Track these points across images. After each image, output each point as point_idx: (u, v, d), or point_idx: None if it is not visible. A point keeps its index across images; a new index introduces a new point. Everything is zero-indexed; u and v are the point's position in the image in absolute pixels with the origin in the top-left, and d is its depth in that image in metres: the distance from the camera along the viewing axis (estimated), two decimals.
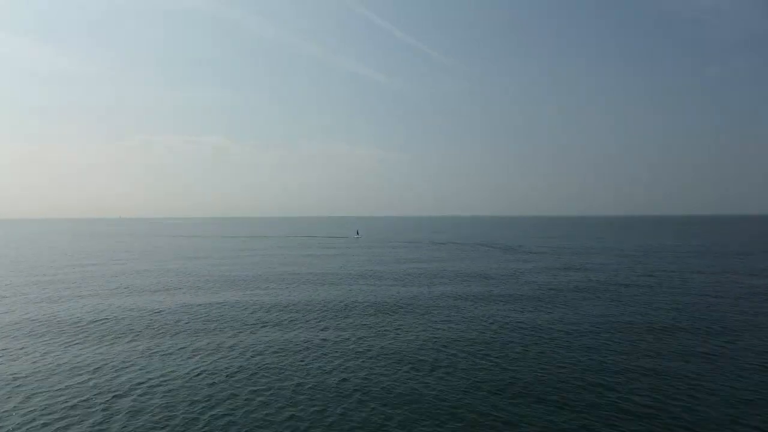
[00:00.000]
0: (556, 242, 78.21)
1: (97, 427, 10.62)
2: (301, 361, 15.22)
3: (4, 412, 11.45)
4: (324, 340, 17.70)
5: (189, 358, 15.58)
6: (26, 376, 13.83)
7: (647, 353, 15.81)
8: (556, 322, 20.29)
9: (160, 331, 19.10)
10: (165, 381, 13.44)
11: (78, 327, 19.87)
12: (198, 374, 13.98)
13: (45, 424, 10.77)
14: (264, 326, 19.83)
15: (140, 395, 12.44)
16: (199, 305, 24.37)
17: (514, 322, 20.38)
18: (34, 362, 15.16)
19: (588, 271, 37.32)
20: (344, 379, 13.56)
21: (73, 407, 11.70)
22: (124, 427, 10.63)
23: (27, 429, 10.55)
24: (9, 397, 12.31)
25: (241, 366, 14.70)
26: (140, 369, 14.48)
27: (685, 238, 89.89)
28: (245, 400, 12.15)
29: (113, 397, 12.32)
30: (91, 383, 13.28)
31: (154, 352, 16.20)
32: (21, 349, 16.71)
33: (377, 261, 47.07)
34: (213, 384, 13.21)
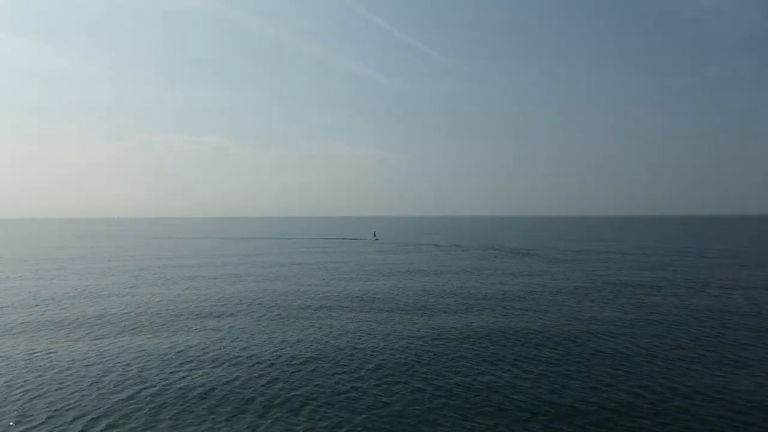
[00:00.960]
0: (565, 245, 73.97)
1: None
2: None
3: None
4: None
5: None
6: None
7: None
8: (630, 377, 16.00)
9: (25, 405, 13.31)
10: None
11: None
12: None
13: None
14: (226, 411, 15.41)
15: None
16: (126, 350, 18.51)
17: (570, 389, 16.06)
18: None
19: (624, 287, 32.83)
20: None
21: None
22: None
23: None
24: None
25: None
26: None
27: (699, 239, 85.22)
28: None
29: None
30: None
31: None
32: None
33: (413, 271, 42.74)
34: None
